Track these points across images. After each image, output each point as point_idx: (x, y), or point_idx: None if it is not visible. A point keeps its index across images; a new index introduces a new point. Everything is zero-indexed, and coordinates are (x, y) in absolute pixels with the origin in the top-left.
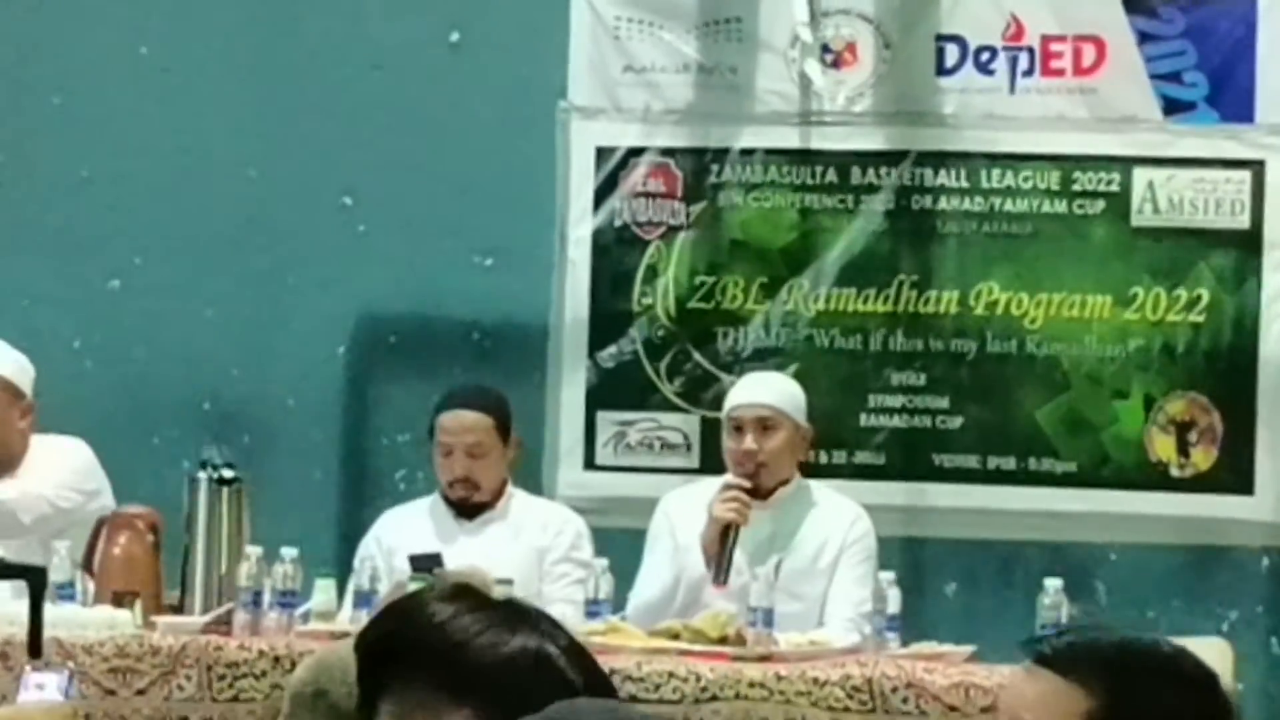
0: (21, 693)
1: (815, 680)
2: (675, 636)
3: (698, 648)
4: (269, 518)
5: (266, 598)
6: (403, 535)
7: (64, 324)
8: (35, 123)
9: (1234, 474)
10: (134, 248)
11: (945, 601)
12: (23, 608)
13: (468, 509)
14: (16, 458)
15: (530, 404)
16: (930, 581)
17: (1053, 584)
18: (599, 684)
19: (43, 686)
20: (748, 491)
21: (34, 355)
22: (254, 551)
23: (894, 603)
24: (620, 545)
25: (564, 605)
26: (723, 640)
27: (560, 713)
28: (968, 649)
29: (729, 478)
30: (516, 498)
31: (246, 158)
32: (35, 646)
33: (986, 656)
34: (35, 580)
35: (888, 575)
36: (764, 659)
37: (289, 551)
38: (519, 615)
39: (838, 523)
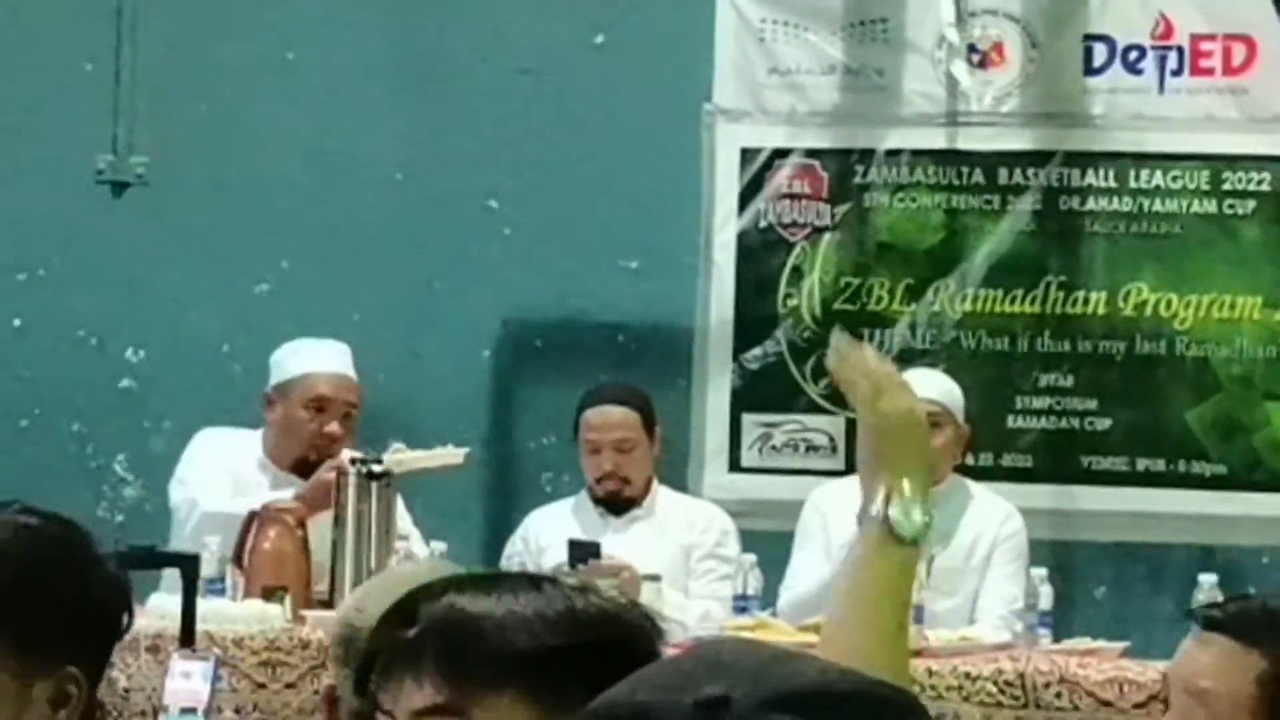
0: (169, 682)
1: (967, 675)
2: None
3: None
4: (417, 521)
5: None
6: (551, 534)
7: (212, 327)
8: (183, 128)
9: None
10: (281, 251)
11: (1095, 605)
12: (172, 602)
13: (615, 506)
14: None
15: (675, 407)
16: (1080, 585)
17: (1208, 580)
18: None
19: (189, 675)
20: None
21: (182, 359)
22: (403, 545)
23: (1046, 599)
24: (765, 547)
25: (711, 601)
26: None
27: (709, 658)
28: (1121, 645)
29: None
30: (662, 495)
31: (392, 162)
32: (188, 634)
33: (1139, 656)
34: (188, 569)
35: (1040, 572)
36: (915, 654)
37: (438, 545)
38: (521, 581)
39: (990, 521)
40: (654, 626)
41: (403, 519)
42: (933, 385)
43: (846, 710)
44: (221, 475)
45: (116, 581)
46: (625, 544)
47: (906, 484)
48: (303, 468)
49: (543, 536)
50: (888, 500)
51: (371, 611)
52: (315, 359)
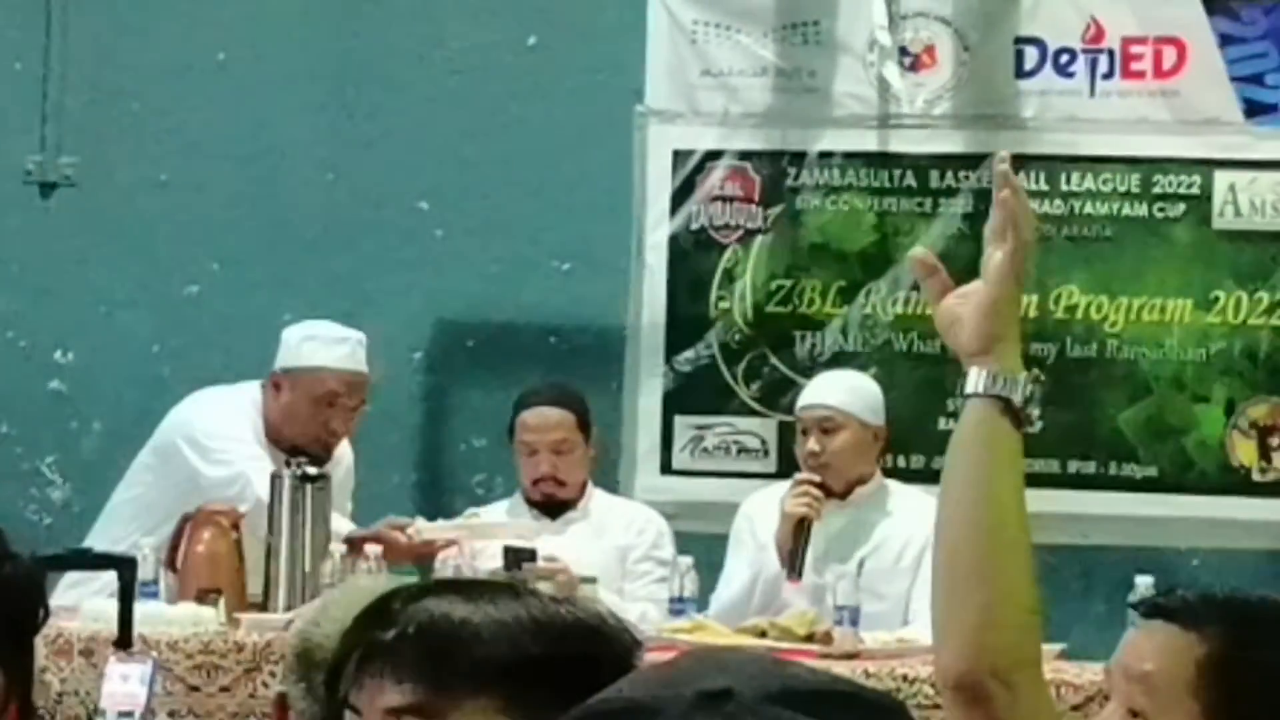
0: (106, 685)
1: (904, 678)
2: (762, 634)
3: (784, 645)
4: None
5: None
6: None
7: (142, 329)
8: (114, 129)
9: None
10: (212, 253)
11: None
12: (107, 605)
13: (550, 508)
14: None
15: (607, 409)
16: None
17: (1144, 581)
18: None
19: (127, 678)
20: (820, 488)
21: (112, 360)
22: (338, 549)
23: None
24: (697, 549)
25: (646, 604)
26: (809, 638)
27: (703, 659)
28: (1057, 647)
29: (800, 474)
30: (597, 497)
31: (324, 163)
32: (125, 637)
33: (1073, 658)
34: (125, 571)
35: None
36: (851, 657)
37: (372, 549)
38: (501, 589)
39: (920, 521)
40: (632, 639)
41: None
42: (830, 391)
43: (846, 710)
44: (260, 452)
45: (30, 577)
46: (561, 546)
47: (1020, 372)
48: (297, 453)
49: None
50: (1001, 377)
51: (328, 628)
52: (331, 353)
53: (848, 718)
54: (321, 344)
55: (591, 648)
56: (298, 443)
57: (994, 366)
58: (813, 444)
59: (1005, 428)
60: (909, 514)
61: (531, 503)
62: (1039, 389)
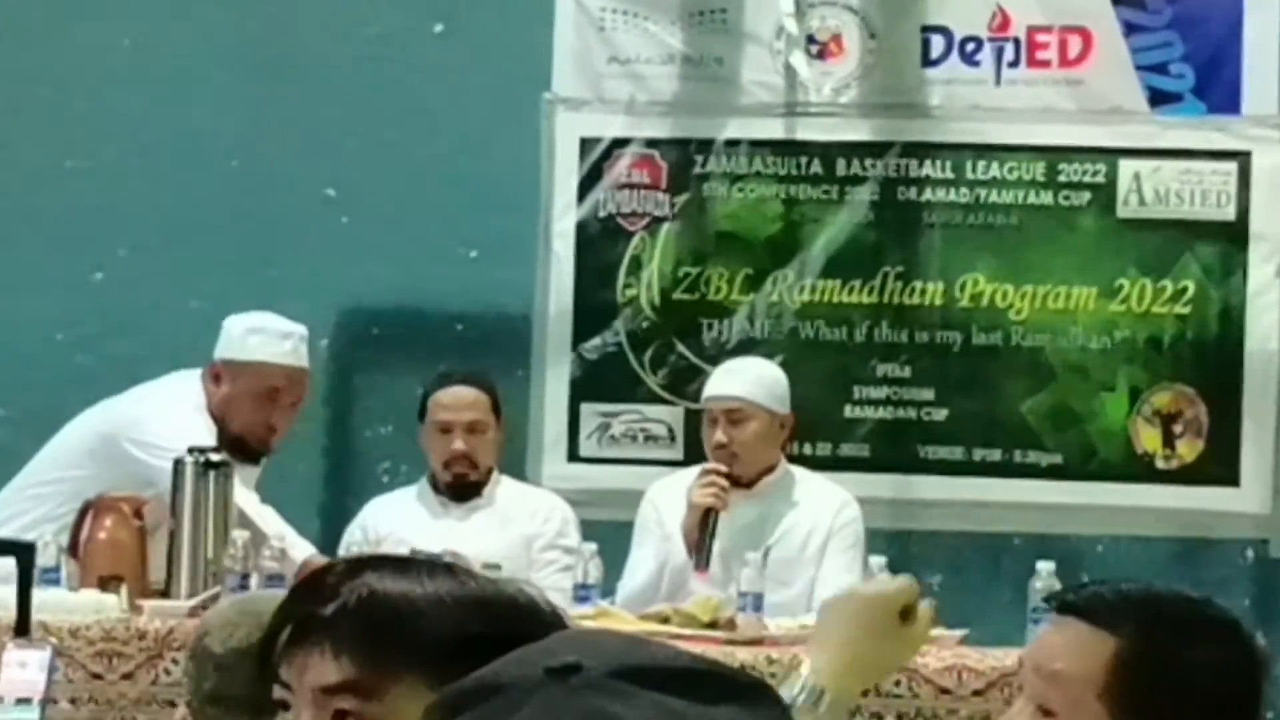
0: (4, 671)
1: None
2: (665, 620)
3: (688, 631)
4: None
5: (254, 582)
6: (391, 523)
7: (48, 316)
8: (21, 114)
9: (1220, 466)
10: (118, 240)
11: (931, 594)
12: (5, 591)
13: (458, 492)
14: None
15: (514, 396)
16: (916, 574)
17: (1045, 567)
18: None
19: (25, 665)
20: (727, 478)
21: (18, 347)
22: (241, 535)
23: None
24: (604, 537)
25: (552, 592)
26: (713, 625)
27: (568, 638)
28: (959, 633)
29: (707, 464)
30: (504, 484)
31: (231, 149)
32: (24, 623)
33: (976, 644)
34: (24, 557)
35: (878, 560)
36: (755, 643)
37: (276, 539)
38: (436, 566)
39: (825, 509)
40: (558, 618)
41: (275, 518)
42: (737, 380)
43: (697, 687)
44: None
45: None
46: (466, 534)
47: (829, 692)
48: (235, 445)
49: (381, 526)
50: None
51: (215, 648)
52: (276, 348)
53: (697, 693)
54: (266, 338)
55: (525, 626)
56: (239, 434)
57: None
58: (720, 435)
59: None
60: (815, 502)
61: (438, 488)
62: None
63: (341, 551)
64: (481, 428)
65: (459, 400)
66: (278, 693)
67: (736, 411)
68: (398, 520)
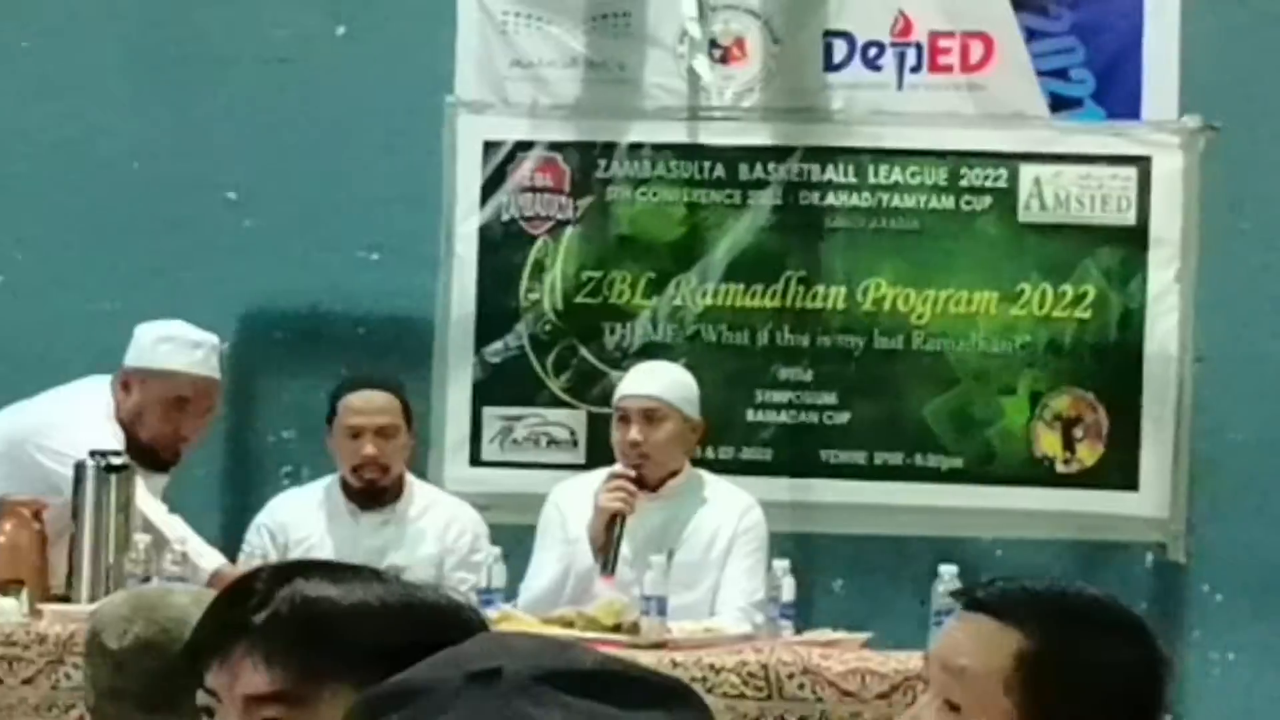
0: None
1: (711, 667)
2: (569, 624)
3: (591, 635)
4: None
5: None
6: (303, 529)
7: None
8: None
9: (1119, 470)
10: (16, 243)
11: (833, 597)
12: None
13: (369, 499)
14: None
15: (417, 400)
16: (818, 577)
17: (948, 570)
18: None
19: None
20: (634, 481)
21: None
22: (142, 539)
23: (788, 591)
24: (506, 541)
25: None
26: (617, 628)
27: (487, 642)
28: (862, 636)
29: (616, 468)
30: (418, 492)
31: (132, 152)
32: None
33: (879, 647)
34: None
35: (782, 564)
36: (658, 646)
37: (179, 543)
38: (366, 573)
39: (729, 513)
40: (483, 623)
41: (182, 526)
42: (656, 381)
43: (619, 691)
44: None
45: None
46: (378, 544)
47: None
48: (144, 453)
49: (291, 530)
50: None
51: (110, 644)
52: (186, 357)
53: (619, 697)
54: (176, 347)
55: (453, 632)
56: (148, 442)
57: None
58: (634, 433)
59: None
60: (720, 506)
61: (349, 493)
62: None
63: (242, 557)
64: (392, 432)
65: (370, 404)
66: (202, 699)
67: (653, 411)
68: (309, 527)
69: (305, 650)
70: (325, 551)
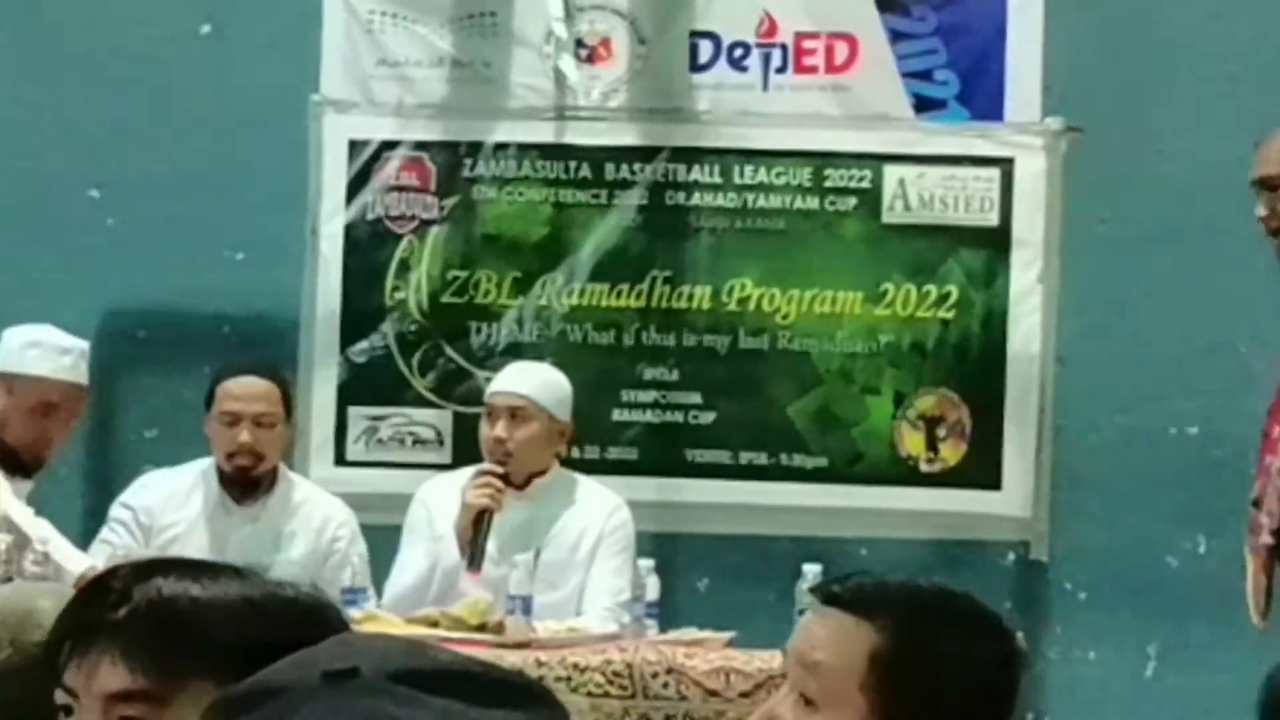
0: None
1: (575, 666)
2: (434, 624)
3: (456, 635)
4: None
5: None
6: (173, 515)
7: None
8: None
9: (982, 469)
10: None
11: (699, 596)
12: None
13: (242, 490)
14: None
15: None
16: (683, 577)
17: (812, 569)
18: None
19: None
20: (501, 479)
21: None
22: (5, 539)
23: (653, 590)
24: (371, 541)
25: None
26: (481, 628)
27: (345, 642)
28: (727, 635)
29: (483, 465)
30: (296, 487)
31: None
32: None
33: (743, 646)
34: None
35: (647, 563)
36: (523, 646)
37: (41, 543)
38: (224, 570)
39: (596, 513)
40: (344, 620)
41: (48, 530)
42: (527, 380)
43: (475, 690)
44: None
45: None
46: (253, 541)
47: None
48: (9, 458)
49: (158, 515)
50: None
51: None
52: (54, 363)
53: (475, 697)
54: (44, 352)
55: (314, 630)
56: (13, 447)
57: None
58: (500, 430)
59: None
60: (586, 505)
61: (224, 482)
62: None
63: (105, 533)
64: (270, 421)
65: (249, 391)
66: (60, 698)
67: (520, 409)
68: (179, 514)
69: (164, 648)
70: (195, 542)
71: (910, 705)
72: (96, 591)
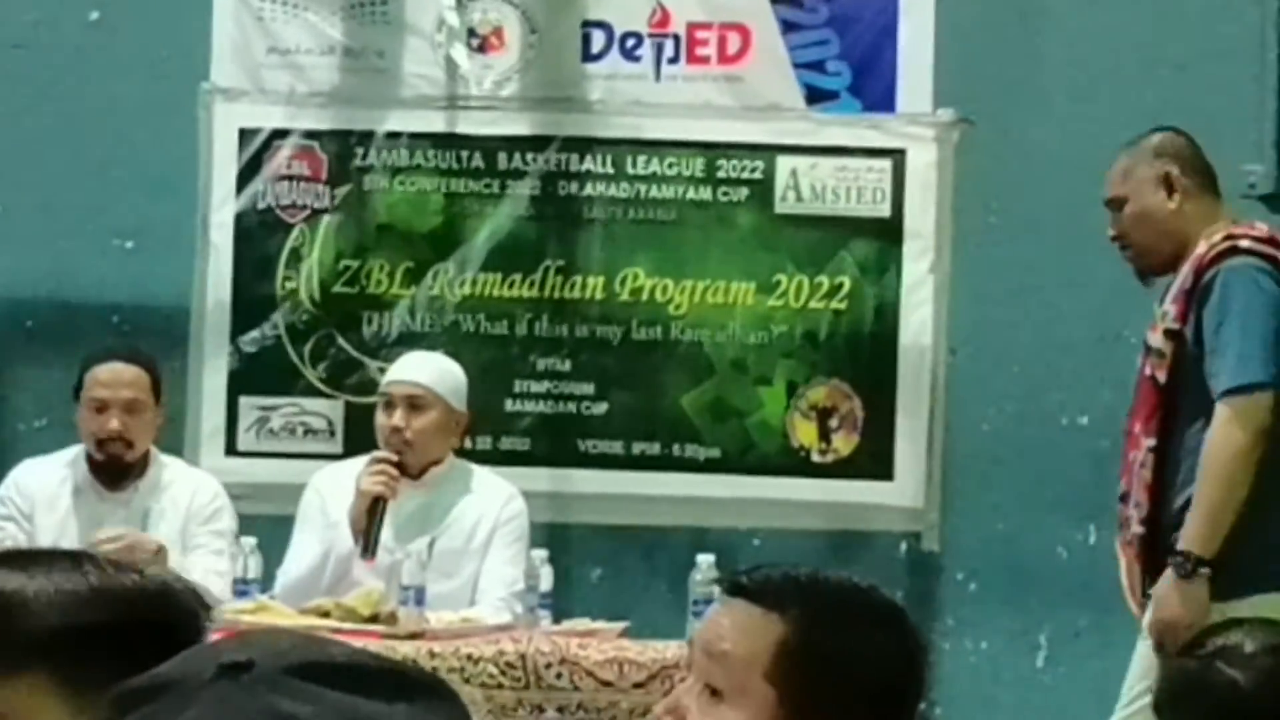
0: None
1: (469, 657)
2: (326, 615)
3: (349, 626)
4: None
5: None
6: (43, 493)
7: None
8: None
9: (874, 460)
10: None
11: (591, 587)
12: None
13: (112, 477)
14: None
15: (172, 388)
16: (576, 567)
17: (705, 560)
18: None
19: None
20: (396, 467)
21: None
22: None
23: (546, 580)
24: (263, 531)
25: (211, 576)
26: (374, 619)
27: (243, 637)
28: (620, 625)
29: (378, 453)
30: (167, 465)
31: None
32: None
33: (636, 636)
34: None
35: (540, 553)
36: (416, 636)
37: None
38: (58, 558)
39: (491, 503)
40: (200, 604)
41: None
42: (424, 369)
43: (373, 684)
44: None
45: None
46: (126, 521)
47: None
48: None
49: (34, 492)
50: None
51: None
52: None
53: (373, 691)
54: None
55: (158, 614)
56: None
57: None
58: (398, 419)
59: None
60: (481, 495)
61: (94, 468)
62: None
63: None
64: (139, 407)
65: (117, 378)
66: None
67: (418, 398)
68: (52, 503)
69: None
70: (69, 530)
71: (816, 695)
72: None
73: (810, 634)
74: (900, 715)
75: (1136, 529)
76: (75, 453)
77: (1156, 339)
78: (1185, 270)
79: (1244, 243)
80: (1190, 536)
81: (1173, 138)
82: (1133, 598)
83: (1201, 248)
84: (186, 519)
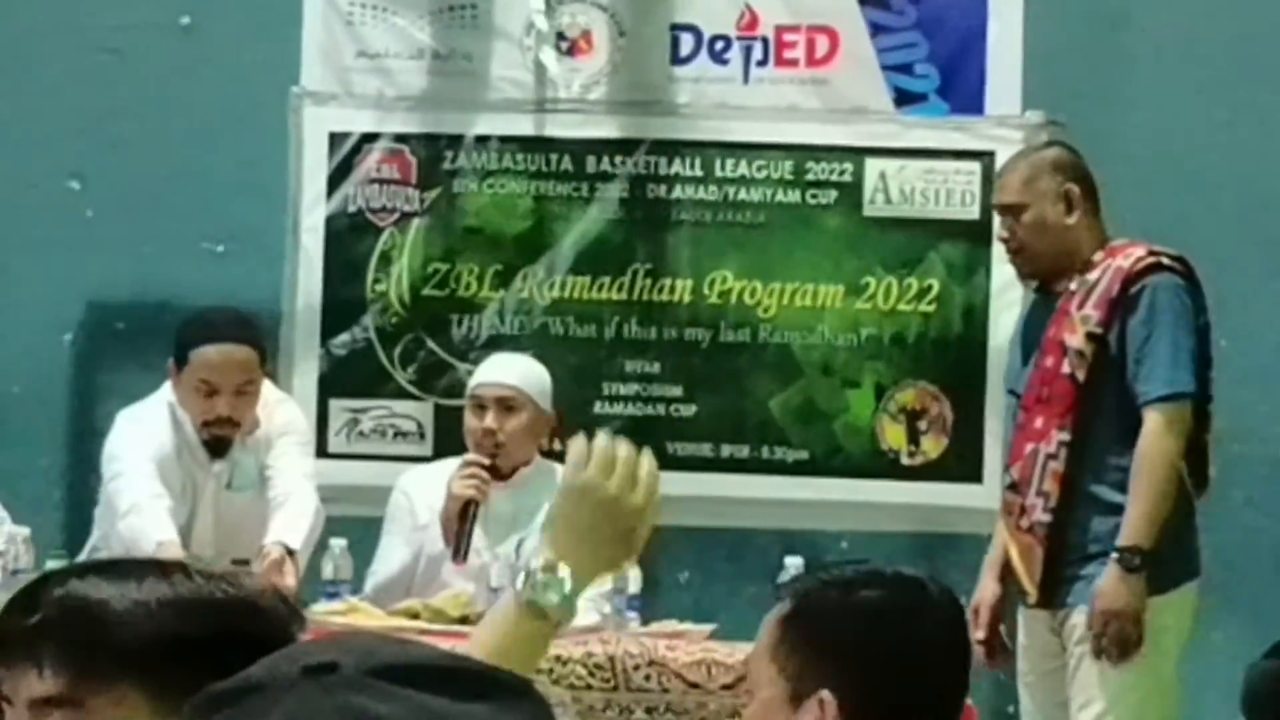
0: None
1: (557, 658)
2: (415, 616)
3: (437, 627)
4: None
5: None
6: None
7: None
8: None
9: (963, 462)
10: None
11: (679, 590)
12: None
13: (217, 448)
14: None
15: None
16: (665, 570)
17: (793, 562)
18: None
19: None
20: (487, 470)
21: None
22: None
23: (634, 582)
24: (353, 533)
25: (301, 479)
26: (463, 620)
27: (329, 640)
28: (708, 627)
29: (469, 455)
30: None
31: None
32: None
33: (724, 639)
34: None
35: None
36: None
37: (19, 530)
38: (149, 568)
39: None
40: (294, 615)
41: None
42: (512, 370)
43: (454, 684)
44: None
45: None
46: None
47: (564, 565)
48: None
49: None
50: (542, 570)
51: None
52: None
53: (454, 691)
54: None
55: (248, 625)
56: None
57: (544, 562)
58: (491, 421)
59: (529, 624)
60: None
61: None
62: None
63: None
64: (249, 389)
65: (228, 359)
66: None
67: (509, 400)
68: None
69: (74, 652)
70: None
71: (809, 653)
72: (17, 599)
73: (808, 600)
74: (903, 677)
75: (1041, 516)
76: (172, 404)
77: (1076, 340)
78: (1106, 280)
79: (1165, 260)
80: (1133, 533)
81: (1069, 155)
82: (1029, 580)
83: (1120, 260)
84: (268, 444)
